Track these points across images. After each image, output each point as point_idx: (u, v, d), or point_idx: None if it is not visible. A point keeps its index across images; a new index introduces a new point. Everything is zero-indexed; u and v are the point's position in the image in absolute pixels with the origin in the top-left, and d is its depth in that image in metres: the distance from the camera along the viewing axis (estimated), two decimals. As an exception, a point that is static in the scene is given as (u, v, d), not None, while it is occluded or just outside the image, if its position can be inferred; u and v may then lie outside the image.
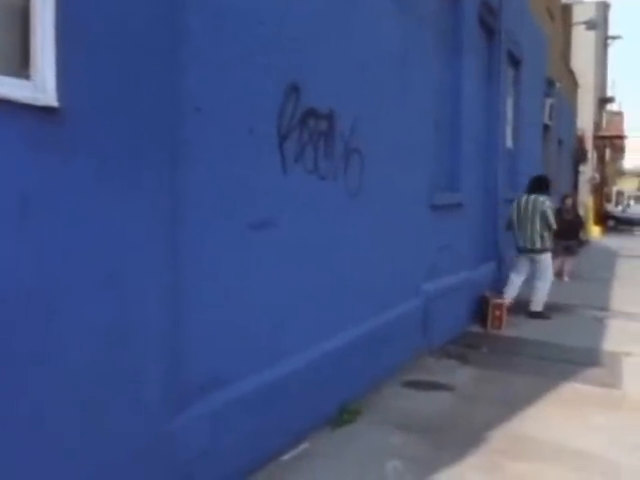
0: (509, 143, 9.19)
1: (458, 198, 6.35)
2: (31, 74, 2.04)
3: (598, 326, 7.17)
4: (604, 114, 29.82)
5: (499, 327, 6.69)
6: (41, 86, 2.04)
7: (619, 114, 31.07)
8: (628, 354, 5.88)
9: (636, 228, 28.88)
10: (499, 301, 6.79)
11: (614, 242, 20.37)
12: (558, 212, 11.20)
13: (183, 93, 2.65)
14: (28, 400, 2.02)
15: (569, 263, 11.15)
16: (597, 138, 26.21)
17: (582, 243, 13.50)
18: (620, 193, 48.50)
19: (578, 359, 5.66)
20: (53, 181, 2.07)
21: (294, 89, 3.41)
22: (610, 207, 35.83)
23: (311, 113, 3.59)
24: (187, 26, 2.65)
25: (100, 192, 2.25)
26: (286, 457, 3.37)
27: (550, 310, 7.71)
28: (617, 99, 33.44)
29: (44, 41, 2.04)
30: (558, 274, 11.07)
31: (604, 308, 8.34)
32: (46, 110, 2.04)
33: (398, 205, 4.86)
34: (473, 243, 7.10)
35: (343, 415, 3.91)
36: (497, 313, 6.70)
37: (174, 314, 2.60)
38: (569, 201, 11.26)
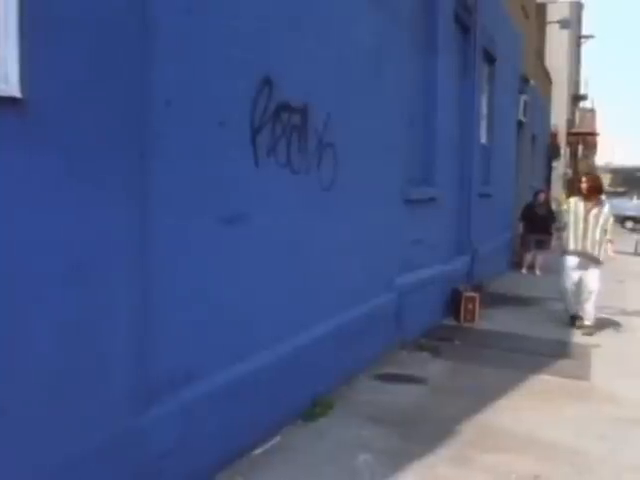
0: (483, 139, 9.27)
1: (432, 192, 6.39)
2: (-7, 64, 2.00)
3: (569, 319, 7.29)
4: (577, 111, 30.25)
5: (472, 320, 6.76)
6: (4, 77, 2.00)
7: (592, 111, 31.55)
8: (596, 346, 5.99)
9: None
10: (471, 294, 6.86)
11: (586, 237, 20.73)
12: (531, 207, 11.38)
13: (153, 86, 2.61)
14: (-9, 396, 1.98)
15: (541, 257, 11.32)
16: (570, 134, 26.60)
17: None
18: (592, 189, 49.18)
19: (548, 351, 5.76)
20: (17, 173, 2.03)
21: (267, 82, 3.39)
22: (583, 202, 36.32)
23: (284, 107, 3.58)
24: (157, 18, 2.62)
25: (66, 185, 2.21)
26: (258, 451, 3.37)
27: (521, 303, 7.83)
28: (590, 97, 33.90)
29: (7, 30, 2.00)
30: (530, 267, 11.26)
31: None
32: (9, 101, 2.00)
33: (372, 199, 4.88)
34: (447, 237, 7.16)
35: (315, 408, 3.92)
36: (470, 306, 6.77)
37: (142, 308, 2.58)
38: (542, 196, 11.47)
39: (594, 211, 6.50)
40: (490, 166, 9.45)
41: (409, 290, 5.63)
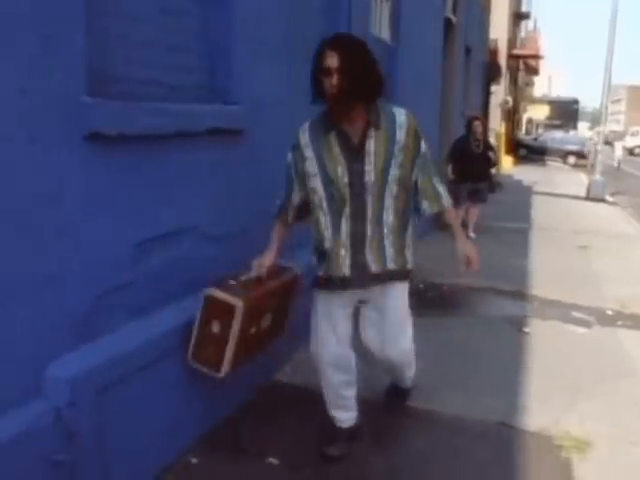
0: (384, 33, 5.76)
1: (221, 115, 2.89)
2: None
3: (515, 350, 4.04)
4: (518, 32, 26.92)
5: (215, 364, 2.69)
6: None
7: (536, 31, 28.31)
8: (580, 450, 2.78)
9: (548, 157, 27.00)
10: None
11: (527, 175, 17.94)
12: (463, 142, 8.02)
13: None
14: None
15: (475, 213, 8.12)
16: (511, 57, 23.31)
17: (495, 186, 10.37)
18: (530, 121, 46.99)
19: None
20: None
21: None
22: (521, 135, 33.68)
23: None
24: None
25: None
26: None
27: (439, 304, 4.58)
28: (533, 17, 30.47)
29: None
30: (462, 227, 8.01)
31: (521, 294, 5.32)
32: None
33: None
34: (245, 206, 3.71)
35: None
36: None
37: None
38: (478, 126, 8.01)
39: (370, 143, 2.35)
40: (398, 78, 5.97)
41: (106, 383, 2.15)
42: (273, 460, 2.63)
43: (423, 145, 2.43)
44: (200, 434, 2.71)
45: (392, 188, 2.34)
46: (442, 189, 2.53)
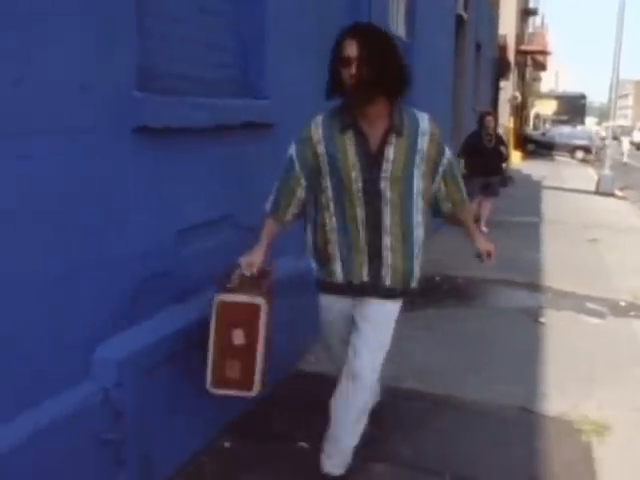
0: (401, 30, 5.85)
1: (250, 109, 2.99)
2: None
3: (532, 340, 4.14)
4: (526, 28, 26.86)
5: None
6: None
7: (544, 27, 28.24)
8: (599, 433, 2.89)
9: (555, 152, 27.02)
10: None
11: (536, 169, 17.94)
12: (476, 137, 8.11)
13: None
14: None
15: (487, 206, 8.20)
16: (519, 53, 23.29)
17: (507, 180, 10.41)
18: (537, 116, 46.88)
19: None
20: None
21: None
22: (529, 130, 33.66)
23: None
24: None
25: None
26: None
27: (455, 295, 4.68)
28: (540, 13, 30.35)
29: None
30: (475, 221, 8.08)
31: (535, 285, 5.42)
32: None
33: None
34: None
35: None
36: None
37: None
38: (491, 121, 8.11)
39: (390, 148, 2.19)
40: (413, 74, 6.05)
41: (150, 365, 2.26)
42: (303, 444, 2.74)
43: (447, 152, 2.28)
44: (230, 420, 2.82)
45: (407, 198, 2.18)
46: (465, 192, 2.43)
